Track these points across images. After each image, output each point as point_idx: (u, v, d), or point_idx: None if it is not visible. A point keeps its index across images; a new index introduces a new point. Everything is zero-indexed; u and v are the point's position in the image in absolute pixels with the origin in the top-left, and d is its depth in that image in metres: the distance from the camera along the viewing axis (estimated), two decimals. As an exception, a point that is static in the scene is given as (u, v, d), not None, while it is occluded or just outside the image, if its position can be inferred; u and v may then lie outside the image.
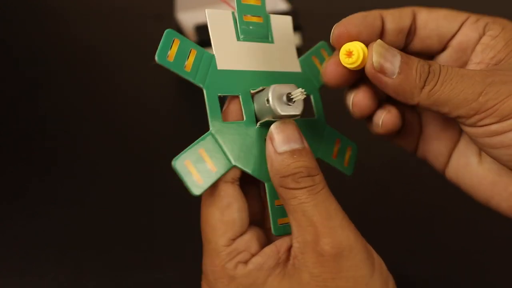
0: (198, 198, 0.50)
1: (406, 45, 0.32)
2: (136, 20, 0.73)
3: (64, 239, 0.46)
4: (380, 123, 0.32)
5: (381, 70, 0.28)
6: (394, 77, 0.28)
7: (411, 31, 0.32)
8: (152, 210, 0.49)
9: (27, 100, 0.61)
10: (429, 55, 0.33)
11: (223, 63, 0.30)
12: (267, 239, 0.30)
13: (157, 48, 0.28)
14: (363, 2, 0.79)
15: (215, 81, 0.29)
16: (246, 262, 0.28)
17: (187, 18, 0.65)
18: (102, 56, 0.67)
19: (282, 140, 0.28)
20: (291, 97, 0.28)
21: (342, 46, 0.30)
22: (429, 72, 0.28)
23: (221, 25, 0.30)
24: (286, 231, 0.29)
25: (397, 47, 0.30)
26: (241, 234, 0.29)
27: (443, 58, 0.32)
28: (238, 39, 0.31)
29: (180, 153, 0.28)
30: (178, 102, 0.64)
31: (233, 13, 0.31)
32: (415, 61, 0.28)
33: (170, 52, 0.28)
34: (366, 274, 0.27)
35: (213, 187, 0.28)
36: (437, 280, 0.45)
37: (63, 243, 0.46)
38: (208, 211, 0.29)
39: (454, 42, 0.32)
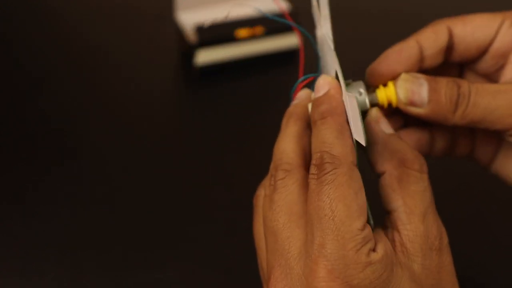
0: (199, 199, 0.50)
1: (445, 58, 0.33)
2: (136, 20, 0.73)
3: (64, 239, 0.46)
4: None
5: (411, 104, 0.29)
6: (425, 106, 0.29)
7: (448, 47, 0.32)
8: (152, 210, 0.49)
9: (27, 100, 0.61)
10: (467, 63, 0.34)
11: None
12: None
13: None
14: (362, 2, 0.79)
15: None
16: (375, 250, 0.26)
17: (187, 18, 0.65)
18: (102, 55, 0.67)
19: (387, 123, 0.29)
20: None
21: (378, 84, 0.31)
22: (458, 94, 0.28)
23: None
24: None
25: (436, 64, 0.30)
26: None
27: (482, 64, 0.33)
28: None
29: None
30: (179, 102, 0.64)
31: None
32: (443, 85, 0.28)
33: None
34: (453, 270, 0.28)
35: (347, 168, 0.26)
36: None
37: (63, 243, 0.46)
38: (343, 191, 0.25)
39: (492, 49, 0.32)
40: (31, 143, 0.55)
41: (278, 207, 0.28)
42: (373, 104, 0.31)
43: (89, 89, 0.62)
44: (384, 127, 0.29)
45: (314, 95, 0.29)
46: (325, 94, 0.29)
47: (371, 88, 0.31)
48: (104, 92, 0.62)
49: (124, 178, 0.52)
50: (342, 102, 0.28)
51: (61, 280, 0.43)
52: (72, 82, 0.63)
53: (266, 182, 0.32)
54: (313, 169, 0.26)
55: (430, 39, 0.31)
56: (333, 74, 0.30)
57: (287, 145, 0.30)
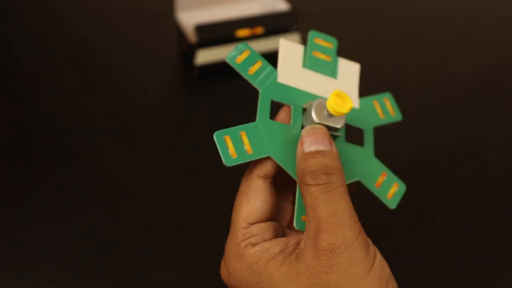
0: (199, 199, 0.50)
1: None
2: (136, 20, 0.73)
3: (64, 240, 0.46)
4: None
5: None
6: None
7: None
8: (152, 211, 0.49)
9: (27, 100, 0.61)
10: None
11: (283, 78, 0.34)
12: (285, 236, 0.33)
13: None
14: (362, 2, 0.79)
15: (272, 89, 0.34)
16: (255, 245, 0.31)
17: (187, 18, 0.65)
18: (102, 55, 0.67)
19: (309, 142, 0.31)
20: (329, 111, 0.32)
21: None
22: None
23: (290, 52, 0.35)
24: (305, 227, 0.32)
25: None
26: (260, 222, 0.32)
27: None
28: (304, 66, 0.35)
29: (223, 129, 0.31)
30: (179, 102, 0.64)
31: (305, 47, 0.36)
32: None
33: (239, 57, 0.34)
34: (360, 272, 0.28)
35: (248, 180, 0.32)
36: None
37: (63, 243, 0.46)
38: (239, 198, 0.32)
39: None
40: (31, 143, 0.55)
41: None
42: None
43: (89, 89, 0.62)
44: (305, 145, 0.31)
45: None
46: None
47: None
48: (104, 92, 0.62)
49: (124, 178, 0.52)
50: None
51: (61, 281, 0.43)
52: (72, 82, 0.63)
53: None
54: None
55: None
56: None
57: None
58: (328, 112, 0.32)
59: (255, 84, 0.34)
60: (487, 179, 0.54)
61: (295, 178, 0.32)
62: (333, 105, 0.31)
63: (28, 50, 0.67)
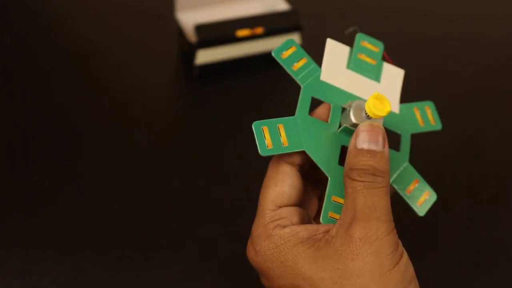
0: (199, 199, 0.50)
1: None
2: (136, 20, 0.73)
3: (64, 240, 0.46)
4: None
5: None
6: None
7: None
8: (152, 211, 0.49)
9: (27, 100, 0.61)
10: None
11: (326, 77, 0.35)
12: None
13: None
14: (362, 2, 0.79)
15: (313, 86, 0.34)
16: (284, 227, 0.31)
17: (187, 18, 0.65)
18: (102, 55, 0.67)
19: (363, 138, 0.31)
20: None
21: None
22: None
23: (336, 52, 0.35)
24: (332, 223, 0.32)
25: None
26: (287, 206, 0.32)
27: None
28: (348, 67, 0.36)
29: (262, 120, 0.32)
30: (179, 102, 0.64)
31: (350, 49, 0.36)
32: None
33: (285, 53, 0.34)
34: (385, 265, 0.29)
35: (276, 164, 0.33)
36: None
37: (63, 243, 0.46)
38: (266, 182, 0.33)
39: None
40: (31, 143, 0.55)
41: None
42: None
43: (89, 89, 0.62)
44: (359, 140, 0.31)
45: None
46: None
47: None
48: (104, 92, 0.62)
49: (124, 178, 0.52)
50: None
51: (61, 281, 0.44)
52: (72, 82, 0.63)
53: None
54: None
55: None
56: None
57: None
58: (366, 114, 0.32)
59: (297, 79, 0.34)
60: (487, 179, 0.54)
61: (327, 175, 0.32)
62: (371, 107, 0.31)
63: (28, 50, 0.67)
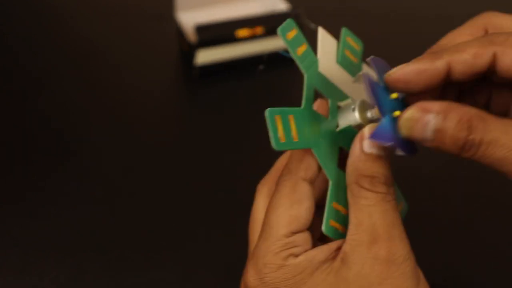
0: (199, 199, 0.50)
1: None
2: (136, 20, 0.73)
3: (64, 240, 0.46)
4: None
5: (415, 137, 0.27)
6: (428, 143, 0.27)
7: (487, 71, 0.28)
8: (151, 210, 0.49)
9: (27, 100, 0.61)
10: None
11: (323, 68, 0.32)
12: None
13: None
14: (362, 2, 0.79)
15: (314, 76, 0.32)
16: (297, 255, 0.28)
17: (187, 18, 0.65)
18: (102, 55, 0.67)
19: (372, 142, 0.28)
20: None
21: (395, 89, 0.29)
22: (466, 142, 0.26)
23: (326, 44, 0.33)
24: (334, 234, 0.30)
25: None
26: (302, 231, 0.29)
27: (497, 99, 0.30)
28: (337, 62, 0.34)
29: (275, 107, 0.29)
30: (179, 102, 0.64)
31: (338, 43, 0.34)
32: (451, 125, 0.26)
33: (289, 34, 0.31)
34: (411, 287, 0.27)
35: (292, 182, 0.29)
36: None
37: (63, 243, 0.46)
38: (279, 200, 0.29)
39: None
40: (31, 143, 0.55)
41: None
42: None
43: (89, 89, 0.62)
44: (365, 144, 0.28)
45: None
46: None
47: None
48: (104, 92, 0.62)
49: (124, 178, 0.52)
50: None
51: (61, 281, 0.43)
52: (72, 82, 0.63)
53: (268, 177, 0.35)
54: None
55: (467, 65, 0.27)
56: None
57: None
58: (371, 115, 0.30)
59: (302, 66, 0.31)
60: (487, 179, 0.54)
61: (330, 179, 0.30)
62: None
63: (28, 50, 0.67)
